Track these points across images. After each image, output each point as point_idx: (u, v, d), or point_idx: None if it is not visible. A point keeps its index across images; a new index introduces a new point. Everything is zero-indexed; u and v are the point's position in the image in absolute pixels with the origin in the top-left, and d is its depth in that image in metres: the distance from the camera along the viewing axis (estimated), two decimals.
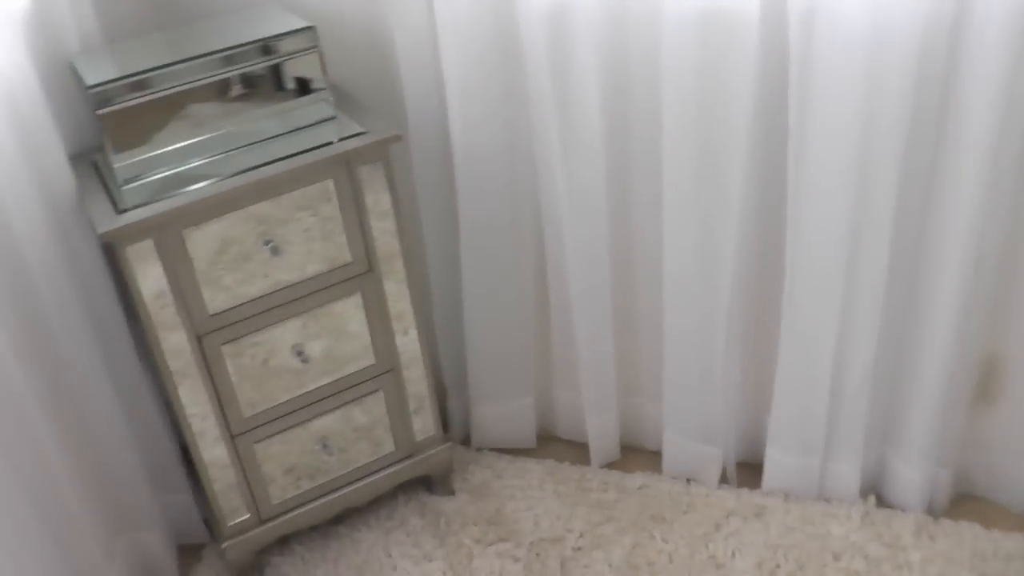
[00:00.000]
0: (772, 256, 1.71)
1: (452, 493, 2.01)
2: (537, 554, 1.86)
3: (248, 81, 1.58)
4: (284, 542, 1.93)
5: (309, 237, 1.60)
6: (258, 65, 1.57)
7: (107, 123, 1.47)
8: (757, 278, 1.76)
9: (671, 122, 1.60)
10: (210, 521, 1.87)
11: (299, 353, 1.69)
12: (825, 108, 1.50)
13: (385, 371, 1.80)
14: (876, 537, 1.81)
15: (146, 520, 1.84)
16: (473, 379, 2.01)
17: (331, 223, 1.61)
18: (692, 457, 1.96)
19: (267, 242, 1.57)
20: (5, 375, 1.44)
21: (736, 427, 1.94)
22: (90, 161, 1.63)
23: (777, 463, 1.91)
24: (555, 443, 2.13)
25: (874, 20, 1.40)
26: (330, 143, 1.57)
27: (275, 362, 1.68)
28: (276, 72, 1.60)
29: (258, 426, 1.72)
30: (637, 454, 2.07)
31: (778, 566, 1.78)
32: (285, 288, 1.62)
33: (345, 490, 1.88)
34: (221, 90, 1.56)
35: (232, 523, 1.79)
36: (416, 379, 1.84)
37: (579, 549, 1.86)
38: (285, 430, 1.76)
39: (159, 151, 1.54)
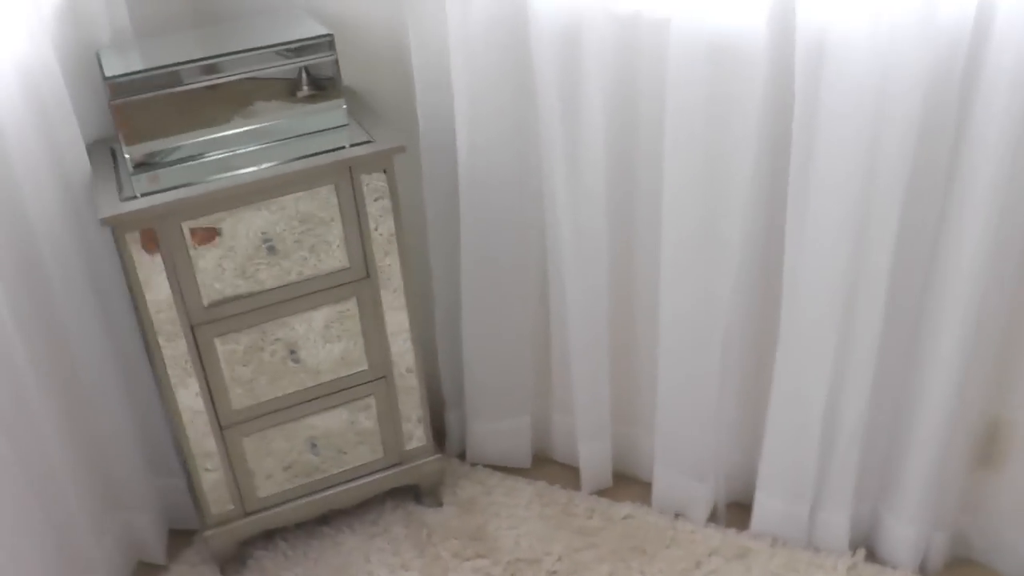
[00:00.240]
0: (769, 302, 1.73)
1: (440, 505, 2.06)
2: (512, 574, 1.90)
3: (264, 83, 1.66)
4: (269, 536, 2.00)
5: (307, 239, 1.67)
6: (274, 69, 1.65)
7: (121, 113, 1.56)
8: (754, 322, 1.78)
9: (674, 163, 1.63)
10: (199, 508, 1.94)
11: (292, 352, 1.76)
12: (828, 158, 1.52)
13: (378, 378, 1.86)
14: None
15: (139, 501, 1.92)
16: (470, 395, 2.06)
17: (330, 227, 1.68)
18: (681, 492, 1.98)
19: (266, 241, 1.65)
20: (6, 348, 1.54)
21: (727, 466, 1.96)
22: (110, 149, 1.73)
23: (765, 507, 1.92)
24: (550, 465, 2.16)
25: (880, 65, 1.42)
26: (335, 149, 1.63)
27: (267, 359, 1.75)
28: (292, 76, 1.68)
29: (247, 420, 1.80)
30: (629, 484, 2.09)
31: None
32: (281, 287, 1.69)
33: (331, 491, 1.94)
34: (237, 90, 1.65)
35: (216, 513, 1.86)
36: (409, 389, 1.89)
37: (555, 573, 1.90)
38: (274, 426, 1.83)
39: (170, 144, 1.63)
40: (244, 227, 1.62)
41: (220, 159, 1.65)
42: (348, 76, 1.82)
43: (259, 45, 1.63)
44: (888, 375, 1.71)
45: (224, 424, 1.78)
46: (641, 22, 1.58)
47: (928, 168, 1.51)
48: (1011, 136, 1.41)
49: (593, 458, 2.04)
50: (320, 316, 1.75)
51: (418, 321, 1.85)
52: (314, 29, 1.68)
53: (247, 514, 1.89)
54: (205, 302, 1.66)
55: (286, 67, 1.66)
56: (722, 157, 1.61)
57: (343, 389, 1.85)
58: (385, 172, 1.67)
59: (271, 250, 1.66)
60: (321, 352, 1.78)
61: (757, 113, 1.54)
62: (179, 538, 2.02)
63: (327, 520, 2.03)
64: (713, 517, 2.00)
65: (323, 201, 1.66)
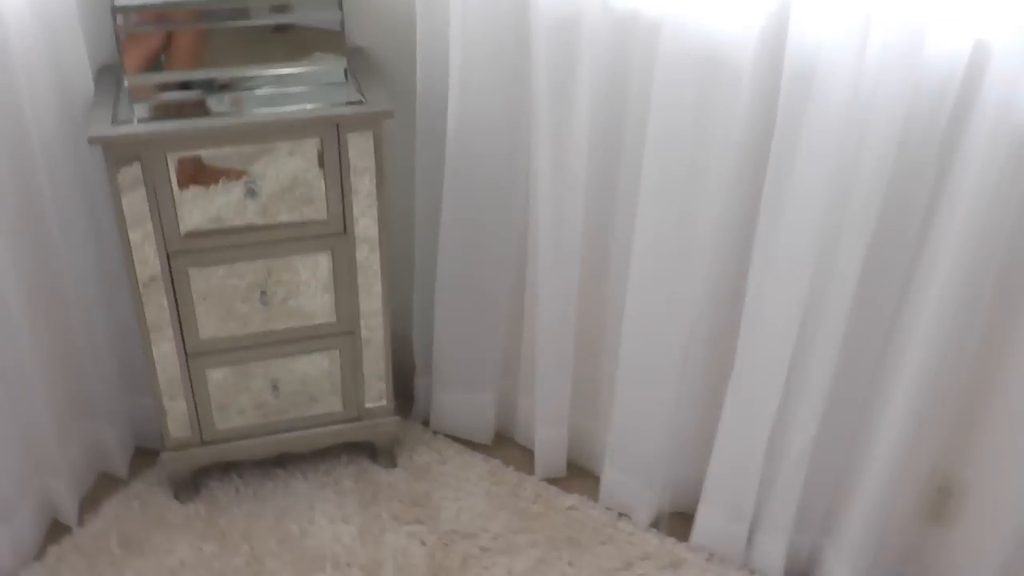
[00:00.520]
0: (733, 316, 1.77)
1: (393, 466, 2.15)
2: (445, 544, 1.98)
3: (268, 32, 1.77)
4: (225, 469, 2.11)
5: (289, 188, 1.77)
6: (276, 18, 1.75)
7: (124, 42, 1.68)
8: (715, 335, 1.82)
9: (653, 164, 1.68)
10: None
11: (262, 293, 1.87)
12: (803, 182, 1.56)
13: (344, 332, 1.96)
14: None
15: (108, 414, 2.05)
16: (438, 363, 2.15)
17: (312, 179, 1.78)
18: (628, 492, 2.04)
19: (249, 183, 1.75)
20: None
21: (677, 475, 2.01)
22: (117, 76, 1.85)
23: (706, 520, 1.97)
24: (510, 446, 2.24)
25: (865, 93, 1.45)
26: (326, 105, 1.73)
27: (237, 296, 1.86)
28: (296, 29, 1.78)
29: (213, 352, 1.91)
30: (583, 477, 2.16)
31: None
32: (256, 229, 1.80)
33: (286, 435, 2.05)
34: (241, 36, 1.75)
35: (175, 437, 1.98)
36: (374, 348, 1.99)
37: (487, 550, 1.98)
38: (238, 363, 1.94)
39: (168, 79, 1.74)
40: (227, 166, 1.73)
41: (216, 98, 1.76)
42: (362, 37, 1.91)
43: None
44: (840, 413, 1.74)
45: (190, 352, 1.89)
46: (637, 20, 1.64)
47: (901, 210, 1.54)
48: (986, 195, 1.43)
49: (548, 444, 2.11)
50: (293, 263, 1.85)
51: (391, 283, 1.93)
52: None
53: (204, 443, 2.01)
54: (183, 231, 1.77)
55: (289, 19, 1.75)
56: (700, 164, 1.65)
57: (309, 338, 1.95)
58: (372, 134, 1.76)
59: (251, 193, 1.76)
60: (290, 298, 1.88)
61: (739, 125, 1.58)
62: (144, 457, 2.15)
63: (283, 463, 2.14)
64: (657, 523, 2.05)
65: (309, 154, 1.75)
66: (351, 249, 1.86)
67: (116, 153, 1.64)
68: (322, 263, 1.87)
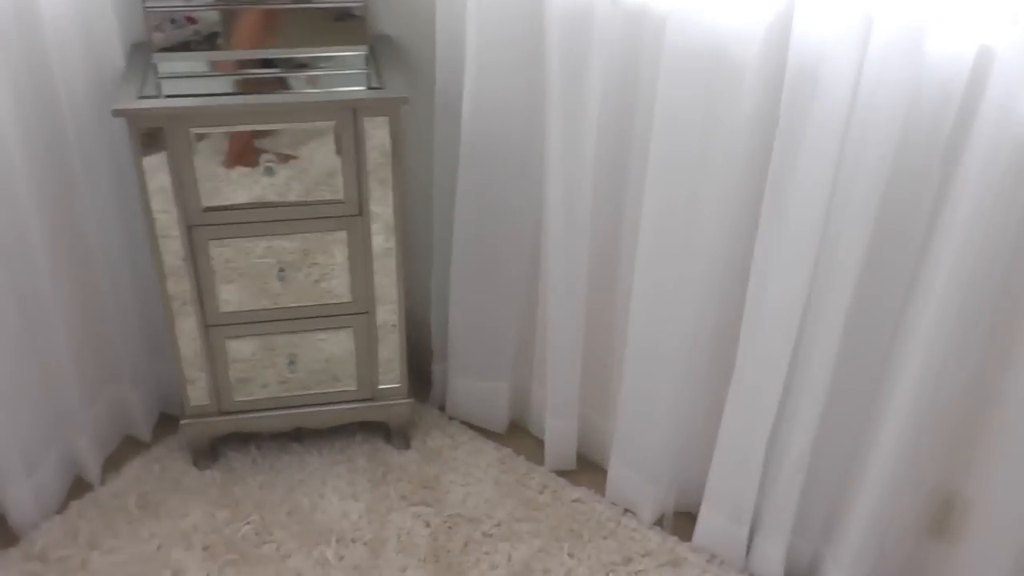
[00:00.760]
0: (735, 312, 1.81)
1: (407, 448, 2.23)
2: (449, 527, 2.06)
3: (293, 15, 1.86)
4: (244, 440, 2.22)
5: (306, 168, 1.87)
6: (301, 4, 1.84)
7: (152, 18, 1.80)
8: (718, 335, 1.85)
9: (657, 158, 1.73)
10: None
11: (280, 270, 1.97)
12: (805, 177, 1.58)
13: (359, 312, 2.05)
14: None
15: (133, 379, 2.18)
16: (454, 350, 2.22)
17: (329, 161, 1.87)
18: (634, 488, 2.08)
19: (267, 161, 1.85)
20: (25, 222, 1.81)
21: (682, 473, 2.05)
22: (147, 54, 1.96)
23: (708, 522, 2.01)
24: (523, 436, 2.30)
25: (865, 95, 1.47)
26: (344, 89, 1.83)
27: (256, 271, 1.96)
28: (322, 15, 1.87)
29: (232, 324, 2.02)
30: (594, 471, 2.21)
31: None
32: (274, 206, 1.89)
33: (302, 410, 2.15)
34: (267, 18, 1.85)
35: (194, 405, 2.10)
36: (389, 329, 2.07)
37: (489, 535, 2.04)
38: (256, 335, 2.04)
39: (194, 56, 1.85)
40: (248, 144, 1.83)
41: (239, 79, 1.86)
42: (388, 25, 2.00)
43: None
44: (841, 417, 1.76)
45: (209, 323, 2.00)
46: (646, 13, 1.68)
47: (903, 212, 1.55)
48: (988, 201, 1.44)
49: (558, 435, 2.16)
50: (310, 242, 1.95)
51: (407, 266, 2.02)
52: None
53: (222, 413, 2.12)
54: (203, 205, 1.87)
55: (314, 4, 1.84)
56: (704, 157, 1.69)
57: (325, 316, 2.04)
58: (388, 118, 1.84)
59: (269, 171, 1.86)
60: (307, 276, 1.98)
61: (743, 119, 1.62)
62: (168, 423, 2.27)
63: (300, 439, 2.24)
64: (661, 522, 2.09)
65: (327, 136, 1.84)
66: (367, 230, 1.95)
67: (139, 126, 1.75)
68: (338, 243, 1.96)
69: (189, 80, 1.85)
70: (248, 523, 2.05)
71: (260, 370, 2.08)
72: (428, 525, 2.06)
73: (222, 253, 1.93)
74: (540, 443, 2.25)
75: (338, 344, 2.08)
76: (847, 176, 1.54)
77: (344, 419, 2.18)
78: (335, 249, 1.96)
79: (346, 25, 1.90)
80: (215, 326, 2.01)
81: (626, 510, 2.11)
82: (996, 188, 1.43)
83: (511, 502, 2.12)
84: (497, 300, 2.13)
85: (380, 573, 1.95)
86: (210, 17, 1.86)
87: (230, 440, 2.21)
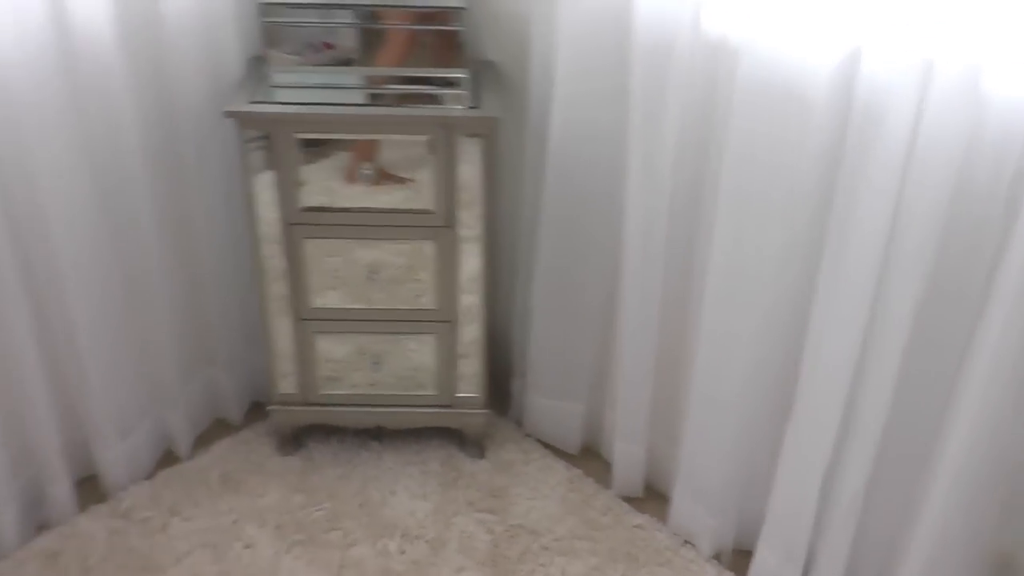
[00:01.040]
0: (796, 348, 1.86)
1: (480, 457, 2.37)
2: (510, 536, 2.17)
3: (397, 36, 2.04)
4: (328, 433, 2.40)
5: (401, 178, 2.03)
6: (402, 26, 2.02)
7: (268, 32, 2.00)
8: (781, 365, 1.91)
9: (728, 191, 1.82)
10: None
11: (370, 273, 2.13)
12: (867, 221, 1.65)
13: (443, 320, 2.20)
14: None
15: (228, 364, 2.39)
16: (532, 368, 2.34)
17: (424, 173, 2.03)
18: (696, 520, 2.15)
19: (365, 169, 2.02)
20: (138, 207, 2.05)
21: (743, 509, 2.10)
22: (263, 64, 2.17)
23: (763, 560, 2.06)
24: (594, 459, 2.40)
25: (925, 138, 1.53)
26: (439, 106, 1.99)
27: (348, 272, 2.13)
28: (429, 37, 2.04)
29: (322, 319, 2.19)
30: (658, 500, 2.28)
31: None
32: (368, 212, 2.07)
33: (382, 409, 2.31)
34: (374, 36, 2.03)
35: (281, 392, 2.28)
36: (470, 341, 2.21)
37: (547, 549, 2.15)
38: (344, 333, 2.21)
39: (303, 68, 2.04)
40: (349, 153, 2.01)
41: (344, 92, 2.04)
42: (493, 51, 2.16)
43: (396, 3, 2.00)
44: (894, 468, 1.80)
45: (301, 316, 2.19)
46: (723, 46, 1.78)
47: (961, 260, 1.60)
48: None
49: (625, 460, 2.25)
50: (400, 248, 2.11)
51: (491, 282, 2.15)
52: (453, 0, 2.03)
53: (307, 403, 2.30)
54: (301, 205, 2.06)
55: (415, 27, 2.02)
56: (769, 197, 1.77)
57: (409, 320, 2.19)
58: (480, 137, 1.99)
59: (367, 177, 2.03)
60: (395, 281, 2.14)
61: (808, 160, 1.69)
62: (259, 411, 2.46)
63: (380, 438, 2.40)
64: (719, 556, 2.15)
65: (421, 149, 2.01)
66: (454, 242, 2.10)
67: (247, 128, 1.95)
68: (427, 252, 2.11)
69: (299, 91, 2.04)
70: (320, 509, 2.21)
71: (346, 367, 2.25)
72: (490, 532, 2.18)
73: (317, 252, 2.11)
74: (610, 467, 2.34)
75: (421, 350, 2.23)
76: (905, 221, 1.60)
77: (422, 422, 2.33)
78: (423, 258, 2.12)
79: (451, 49, 2.05)
80: (307, 320, 2.19)
81: (686, 541, 2.18)
82: None
83: (573, 520, 2.22)
84: (576, 323, 2.24)
85: (438, 571, 2.08)
86: (346, 44, 2.05)
87: (314, 432, 2.39)
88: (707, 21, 1.78)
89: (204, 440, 2.40)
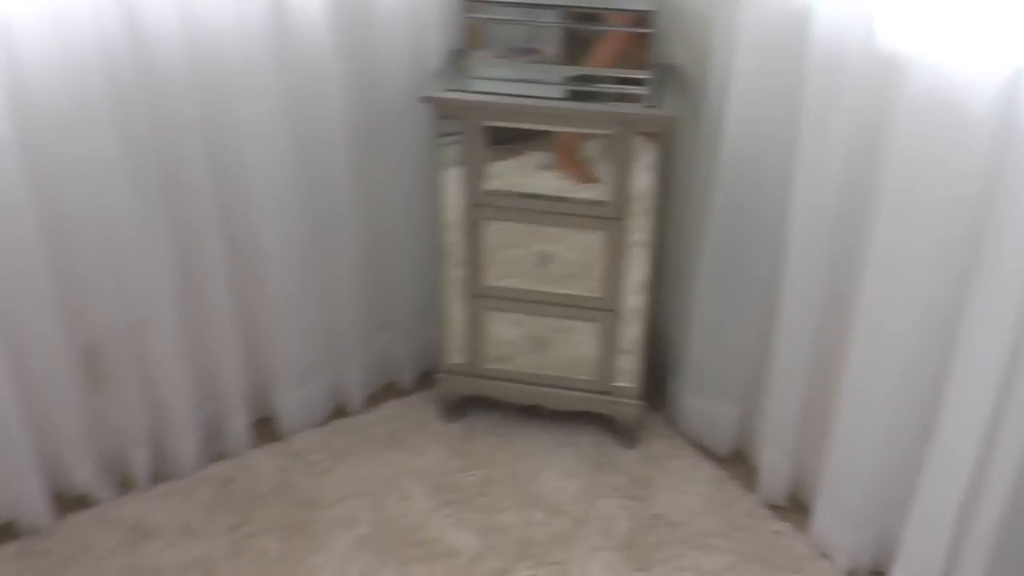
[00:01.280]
0: (941, 369, 1.90)
1: (631, 447, 2.50)
2: (649, 525, 2.30)
3: (589, 37, 2.20)
4: (490, 407, 2.59)
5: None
6: (593, 28, 2.18)
7: (470, 26, 2.20)
8: (924, 389, 1.95)
9: (891, 205, 1.88)
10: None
11: (542, 257, 2.31)
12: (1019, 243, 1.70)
13: (606, 309, 2.34)
14: None
15: (405, 332, 2.63)
16: (689, 367, 2.45)
17: (600, 165, 2.18)
18: (835, 535, 2.21)
19: (543, 157, 2.20)
20: (337, 175, 2.30)
21: (883, 530, 2.15)
22: (462, 56, 2.36)
23: None
24: (743, 464, 2.48)
25: None
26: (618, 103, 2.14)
27: (522, 254, 2.31)
28: (619, 39, 2.19)
29: (494, 297, 2.38)
30: (801, 511, 2.34)
31: None
32: (545, 199, 2.24)
33: (542, 389, 2.48)
34: (567, 36, 2.20)
35: (450, 362, 2.49)
36: (631, 332, 2.35)
37: (683, 542, 2.26)
38: (513, 312, 2.40)
39: (499, 61, 2.23)
40: (530, 141, 2.18)
41: (535, 86, 2.21)
42: (677, 55, 2.29)
43: (591, 5, 2.16)
44: None
45: (475, 292, 2.38)
46: (895, 58, 1.84)
47: None
48: None
49: (772, 468, 2.33)
50: (572, 236, 2.27)
51: (655, 276, 2.28)
52: (643, 3, 2.17)
53: (473, 375, 2.49)
54: (485, 188, 2.25)
55: (604, 28, 2.18)
56: (929, 210, 1.82)
57: (575, 306, 2.35)
58: (656, 135, 2.12)
59: (545, 166, 2.20)
60: (564, 267, 2.30)
61: (968, 178, 1.74)
62: (428, 380, 2.68)
63: (538, 416, 2.57)
64: (854, 574, 2.20)
65: (599, 143, 2.16)
66: (622, 235, 2.24)
67: (439, 112, 2.16)
68: (596, 242, 2.26)
69: (494, 82, 2.23)
70: (474, 475, 2.41)
71: (513, 347, 2.43)
72: (631, 517, 2.31)
73: (495, 232, 2.29)
74: (756, 473, 2.42)
75: (584, 336, 2.39)
76: None
77: (578, 406, 2.48)
78: (592, 246, 2.27)
79: (640, 50, 2.19)
80: (479, 296, 2.39)
81: (823, 554, 2.24)
82: None
83: (714, 519, 2.32)
84: (736, 325, 2.34)
85: (575, 546, 2.23)
86: (549, 49, 2.26)
87: (476, 403, 2.58)
88: (880, 35, 1.85)
89: (374, 399, 2.64)
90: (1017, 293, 1.71)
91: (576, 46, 2.23)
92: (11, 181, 1.92)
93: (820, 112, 1.96)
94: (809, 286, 2.12)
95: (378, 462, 2.43)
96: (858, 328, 2.02)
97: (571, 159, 2.22)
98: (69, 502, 2.30)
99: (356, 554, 2.20)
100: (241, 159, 2.18)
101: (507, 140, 2.22)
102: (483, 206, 2.27)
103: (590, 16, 2.21)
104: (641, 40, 2.18)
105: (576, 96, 2.20)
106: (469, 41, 2.25)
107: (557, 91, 2.21)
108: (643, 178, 2.17)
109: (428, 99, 2.16)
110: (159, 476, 2.38)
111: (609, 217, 2.23)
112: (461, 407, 2.58)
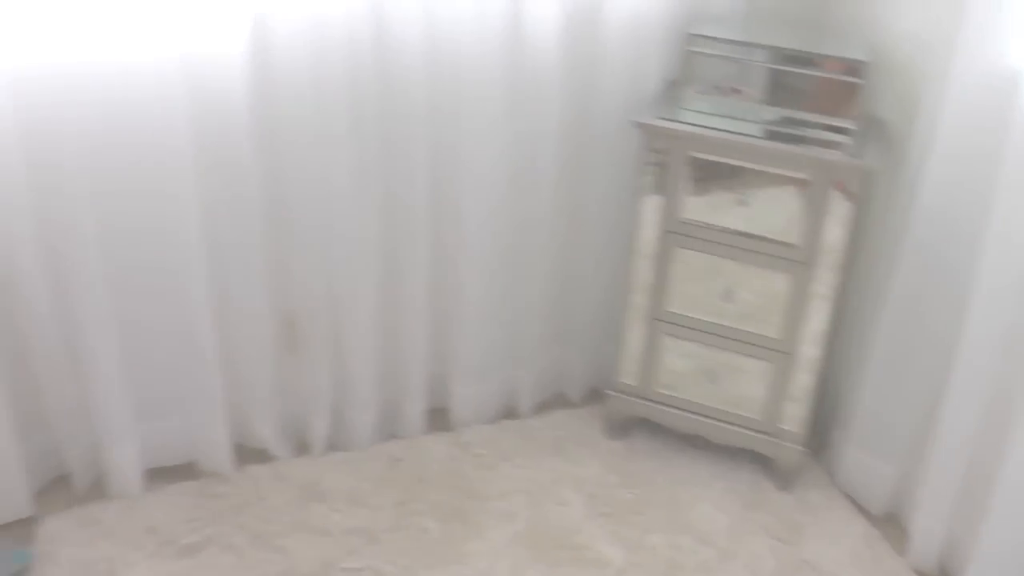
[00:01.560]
0: None
1: (786, 491, 2.58)
2: (795, 569, 2.38)
3: (799, 80, 2.33)
4: (654, 431, 2.72)
5: (772, 208, 2.31)
6: (803, 73, 2.30)
7: (688, 60, 2.36)
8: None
9: None
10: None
11: (727, 291, 2.43)
12: None
13: (781, 351, 2.45)
14: None
15: (579, 348, 2.79)
16: (855, 421, 2.52)
17: (793, 210, 2.30)
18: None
19: (743, 194, 2.33)
20: (538, 184, 2.49)
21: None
22: (679, 87, 2.51)
23: None
24: (896, 526, 2.52)
25: None
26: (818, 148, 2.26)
27: (706, 286, 2.44)
28: (828, 84, 2.31)
29: (674, 324, 2.52)
30: None
31: None
32: (738, 234, 2.36)
33: (707, 420, 2.59)
34: (774, 78, 2.34)
35: (622, 382, 2.63)
36: (803, 380, 2.45)
37: None
38: (689, 340, 2.52)
39: (704, 98, 2.38)
40: (731, 178, 2.32)
41: (742, 124, 2.35)
42: (883, 108, 2.39)
43: (804, 49, 2.30)
44: None
45: (656, 316, 2.52)
46: None
47: None
48: None
49: (925, 535, 2.36)
50: (758, 275, 2.39)
51: (835, 326, 2.37)
52: (857, 52, 2.28)
53: (642, 398, 2.63)
54: (681, 217, 2.39)
55: (814, 73, 2.30)
56: None
57: (751, 344, 2.46)
58: (853, 184, 2.22)
59: (743, 203, 2.33)
60: (746, 303, 2.42)
61: None
62: (597, 397, 2.83)
63: (699, 446, 2.68)
64: None
65: (795, 187, 2.28)
66: (808, 280, 2.34)
67: (647, 138, 2.32)
68: (781, 284, 2.37)
69: (703, 115, 2.37)
70: (631, 493, 2.54)
71: (684, 373, 2.55)
72: (777, 559, 2.40)
73: (685, 260, 2.43)
74: (908, 536, 2.46)
75: (754, 375, 2.49)
76: None
77: (740, 442, 2.58)
78: (776, 287, 2.38)
79: (848, 99, 2.30)
80: (660, 321, 2.52)
81: None
82: None
83: (859, 573, 2.38)
84: (906, 387, 2.40)
85: None
86: (753, 91, 2.38)
87: (642, 425, 2.71)
88: None
89: (543, 406, 2.82)
90: None
91: (781, 89, 2.35)
92: (244, 147, 2.17)
93: (1019, 178, 2.02)
94: (986, 355, 2.17)
95: (541, 466, 2.59)
96: None
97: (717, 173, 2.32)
98: (249, 454, 2.55)
99: (509, 548, 2.35)
100: (457, 155, 2.39)
101: (705, 176, 2.35)
102: (677, 234, 2.41)
103: (802, 60, 2.32)
104: (850, 89, 2.29)
105: (779, 137, 2.32)
106: (683, 74, 2.40)
107: (761, 130, 2.33)
108: (835, 231, 2.27)
109: (640, 124, 2.32)
110: (334, 444, 2.60)
111: (796, 260, 2.34)
112: (626, 426, 2.71)
